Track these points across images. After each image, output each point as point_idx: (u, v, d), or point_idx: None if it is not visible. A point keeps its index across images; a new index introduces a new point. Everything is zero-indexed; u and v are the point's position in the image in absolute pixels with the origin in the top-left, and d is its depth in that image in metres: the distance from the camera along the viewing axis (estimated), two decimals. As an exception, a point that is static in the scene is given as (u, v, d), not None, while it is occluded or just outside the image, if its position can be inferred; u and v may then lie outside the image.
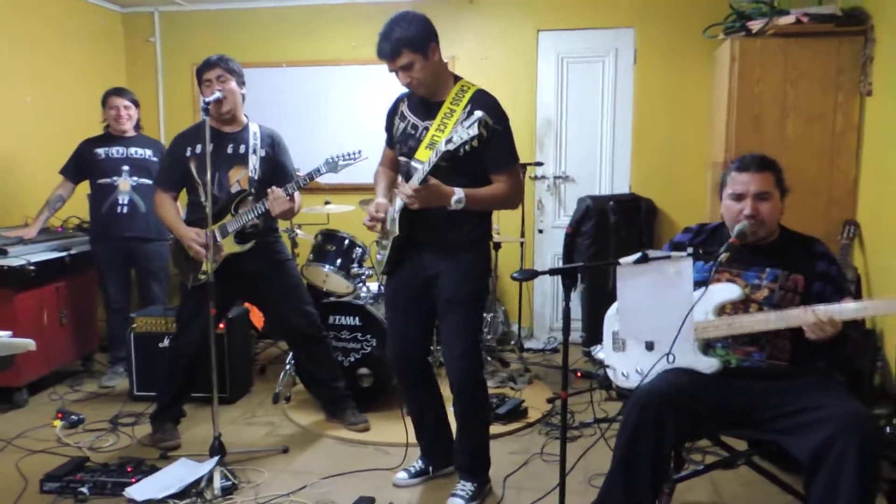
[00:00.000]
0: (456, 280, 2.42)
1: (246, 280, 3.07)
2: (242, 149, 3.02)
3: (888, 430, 2.47)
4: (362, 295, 3.68)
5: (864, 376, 2.80)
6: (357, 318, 3.46)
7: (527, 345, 4.57)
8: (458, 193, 2.27)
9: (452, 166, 2.29)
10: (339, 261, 3.72)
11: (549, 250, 4.83)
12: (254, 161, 3.01)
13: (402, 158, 2.48)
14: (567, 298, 2.20)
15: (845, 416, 1.79)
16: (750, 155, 2.24)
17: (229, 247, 2.98)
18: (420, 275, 2.49)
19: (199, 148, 2.97)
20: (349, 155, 2.87)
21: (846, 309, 1.93)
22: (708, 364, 2.13)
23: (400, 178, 2.49)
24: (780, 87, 3.78)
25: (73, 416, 3.37)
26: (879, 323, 3.26)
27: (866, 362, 2.82)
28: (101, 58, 4.97)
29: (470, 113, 2.25)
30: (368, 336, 3.45)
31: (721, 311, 2.16)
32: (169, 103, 5.21)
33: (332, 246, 3.74)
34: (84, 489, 2.64)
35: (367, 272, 3.78)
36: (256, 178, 3.00)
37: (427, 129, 2.40)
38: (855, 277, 3.38)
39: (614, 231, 4.29)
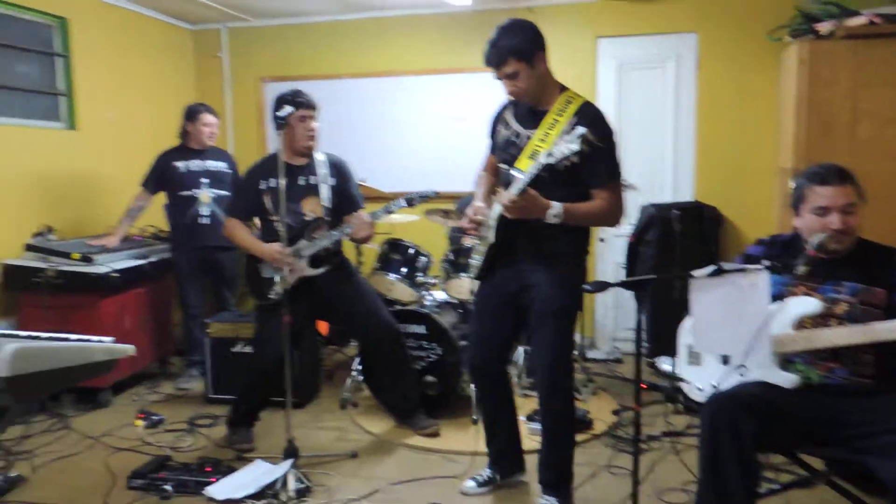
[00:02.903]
0: (550, 292, 2.41)
1: (319, 298, 3.13)
2: (313, 179, 3.12)
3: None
4: (427, 303, 3.73)
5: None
6: (423, 327, 3.51)
7: (589, 355, 4.54)
8: (556, 208, 2.25)
9: (553, 178, 2.28)
10: (404, 269, 3.78)
11: (611, 259, 4.79)
12: (325, 190, 3.12)
13: (503, 166, 2.48)
14: (639, 311, 2.20)
15: (936, 437, 1.74)
16: (826, 166, 2.19)
17: (306, 270, 3.08)
18: (513, 283, 2.49)
19: (273, 182, 3.06)
20: (424, 195, 3.02)
21: None
22: (786, 379, 2.09)
23: (500, 187, 2.50)
24: (851, 90, 3.67)
25: (153, 417, 3.52)
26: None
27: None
28: (172, 73, 5.17)
29: (574, 126, 2.20)
30: (434, 344, 3.50)
31: (799, 325, 2.11)
32: (237, 115, 5.38)
33: (397, 255, 3.80)
34: (168, 487, 2.76)
35: (432, 281, 3.82)
36: (330, 206, 3.12)
37: (529, 138, 2.38)
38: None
39: (678, 240, 4.19)
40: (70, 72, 4.27)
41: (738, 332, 2.00)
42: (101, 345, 1.89)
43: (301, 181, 3.11)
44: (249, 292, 3.25)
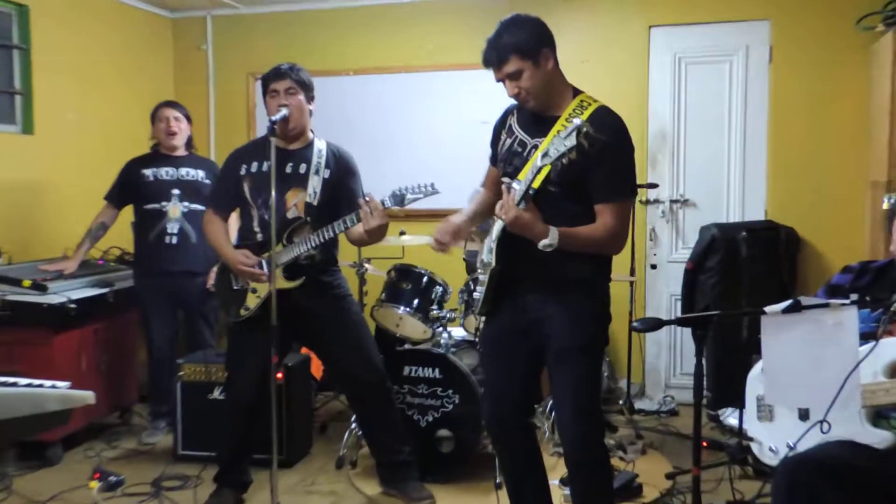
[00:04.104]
0: (567, 326, 2.41)
1: (298, 319, 3.12)
2: (303, 168, 3.14)
3: None
4: (442, 342, 3.72)
5: None
6: (437, 370, 3.49)
7: (637, 405, 4.51)
8: (552, 235, 2.25)
9: (563, 191, 2.30)
10: (415, 301, 3.77)
11: (665, 290, 4.77)
12: (314, 183, 3.12)
13: (505, 179, 2.48)
14: (699, 353, 2.18)
15: None
16: None
17: (278, 282, 3.03)
18: (523, 318, 2.48)
19: (254, 166, 3.16)
20: (419, 188, 2.95)
21: None
22: (878, 438, 2.08)
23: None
24: (958, 89, 3.65)
25: (111, 477, 3.48)
26: None
27: None
28: (147, 69, 5.29)
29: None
30: (450, 391, 3.47)
31: (894, 371, 2.10)
32: (220, 115, 5.48)
33: (407, 284, 3.80)
34: (126, 563, 2.74)
35: (448, 315, 3.81)
36: (315, 203, 3.12)
37: (536, 147, 2.41)
38: None
39: (747, 267, 4.19)
40: (28, 67, 4.38)
41: (820, 381, 1.98)
42: (55, 391, 1.87)
43: (288, 168, 3.11)
44: (221, 306, 3.29)
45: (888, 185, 3.76)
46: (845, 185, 4.42)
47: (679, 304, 4.46)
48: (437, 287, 3.83)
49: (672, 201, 4.74)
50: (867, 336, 2.11)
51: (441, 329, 3.79)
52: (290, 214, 3.10)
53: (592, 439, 2.48)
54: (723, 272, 4.20)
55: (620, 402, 4.29)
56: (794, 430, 2.18)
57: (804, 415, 2.21)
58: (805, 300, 2.03)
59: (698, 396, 2.08)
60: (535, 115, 2.47)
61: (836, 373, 1.95)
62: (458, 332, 3.86)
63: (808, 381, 2.01)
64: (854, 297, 2.03)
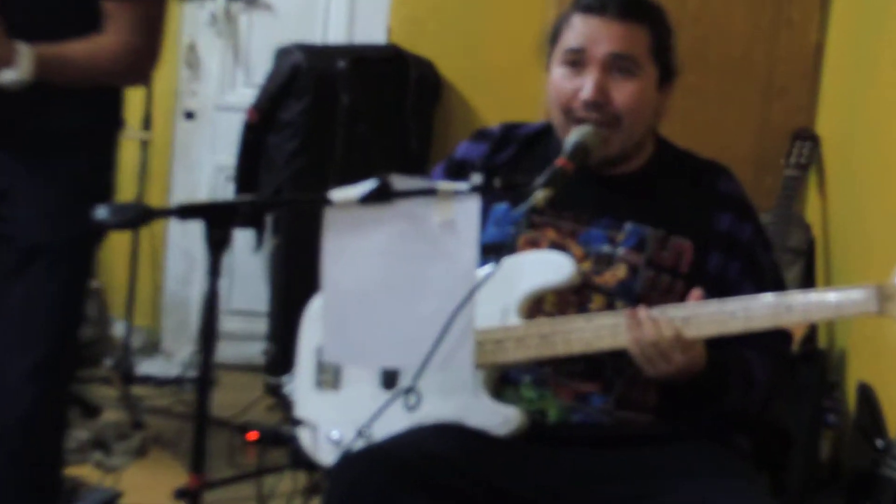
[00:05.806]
0: (42, 209, 2.55)
1: None
2: None
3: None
4: None
5: (797, 441, 3.05)
6: None
7: (144, 369, 4.65)
8: (21, 59, 2.31)
9: None
10: None
11: (210, 159, 4.94)
12: None
13: None
14: (213, 271, 2.14)
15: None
16: None
17: None
18: None
19: None
20: None
21: (734, 313, 1.99)
22: (500, 417, 2.18)
23: None
24: None
25: None
26: (840, 338, 3.57)
27: (804, 416, 3.06)
28: None
29: None
30: None
31: (534, 307, 2.22)
32: None
33: None
34: None
35: None
36: None
37: None
38: (805, 242, 3.71)
39: (348, 123, 4.39)
40: None
41: (414, 323, 2.07)
42: None
43: None
44: None
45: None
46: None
47: (232, 183, 4.62)
48: None
49: (230, -1, 4.85)
50: (496, 249, 2.22)
51: None
52: None
53: (51, 414, 2.68)
54: (309, 131, 4.37)
55: (110, 361, 4.32)
56: (373, 406, 2.26)
57: (389, 380, 2.30)
58: (398, 181, 2.04)
59: (208, 339, 2.04)
60: None
61: (439, 308, 2.03)
62: None
63: (395, 322, 2.09)
64: (478, 178, 2.07)
